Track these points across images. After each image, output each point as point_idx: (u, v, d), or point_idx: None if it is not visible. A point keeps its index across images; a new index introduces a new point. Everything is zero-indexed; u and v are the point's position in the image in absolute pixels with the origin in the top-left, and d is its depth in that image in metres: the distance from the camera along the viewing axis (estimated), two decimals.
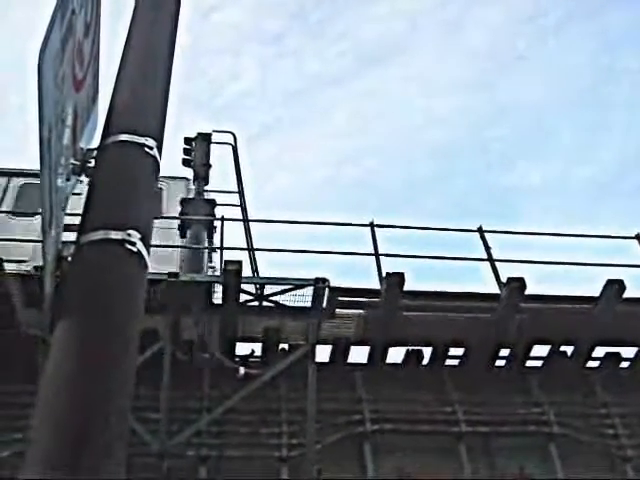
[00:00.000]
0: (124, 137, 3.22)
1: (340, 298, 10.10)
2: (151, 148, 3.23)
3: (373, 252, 10.65)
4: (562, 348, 11.23)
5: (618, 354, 11.53)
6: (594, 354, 11.38)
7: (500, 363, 11.09)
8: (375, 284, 10.16)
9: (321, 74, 40.18)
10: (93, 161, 3.47)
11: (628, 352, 11.46)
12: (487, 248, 11.06)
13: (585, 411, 10.88)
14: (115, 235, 2.85)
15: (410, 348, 10.91)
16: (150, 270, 2.98)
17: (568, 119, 41.82)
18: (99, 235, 2.85)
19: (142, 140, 3.23)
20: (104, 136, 3.29)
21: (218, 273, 10.72)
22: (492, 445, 10.41)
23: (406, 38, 41.19)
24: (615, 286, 10.50)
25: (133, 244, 2.85)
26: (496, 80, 40.60)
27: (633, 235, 11.83)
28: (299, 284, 9.81)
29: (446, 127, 40.30)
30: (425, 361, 10.93)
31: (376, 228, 11.00)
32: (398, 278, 9.85)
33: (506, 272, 10.56)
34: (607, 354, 11.50)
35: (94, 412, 2.42)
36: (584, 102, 41.31)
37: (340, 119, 40.94)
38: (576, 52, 39.54)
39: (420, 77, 40.35)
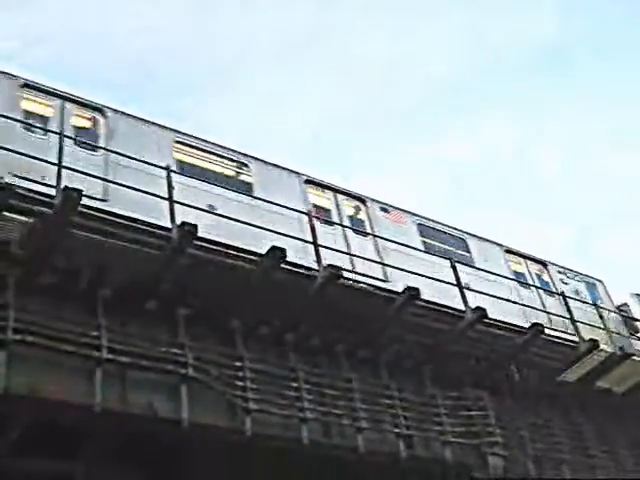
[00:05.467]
0: None
1: (11, 201, 9.76)
2: None
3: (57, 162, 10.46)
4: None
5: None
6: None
7: (155, 301, 11.41)
8: None
9: None
10: None
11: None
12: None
13: (222, 361, 11.58)
14: None
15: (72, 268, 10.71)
16: None
17: None
18: None
19: None
20: None
21: None
22: (128, 377, 10.59)
23: None
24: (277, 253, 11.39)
25: None
26: None
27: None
28: None
29: None
30: (83, 284, 10.83)
31: None
32: (76, 194, 9.73)
33: None
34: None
35: None
36: None
37: None
38: None
39: None
